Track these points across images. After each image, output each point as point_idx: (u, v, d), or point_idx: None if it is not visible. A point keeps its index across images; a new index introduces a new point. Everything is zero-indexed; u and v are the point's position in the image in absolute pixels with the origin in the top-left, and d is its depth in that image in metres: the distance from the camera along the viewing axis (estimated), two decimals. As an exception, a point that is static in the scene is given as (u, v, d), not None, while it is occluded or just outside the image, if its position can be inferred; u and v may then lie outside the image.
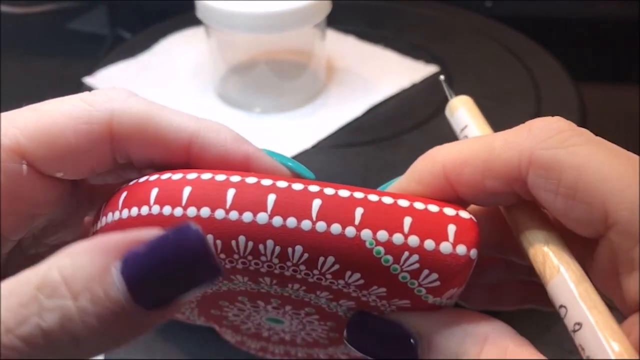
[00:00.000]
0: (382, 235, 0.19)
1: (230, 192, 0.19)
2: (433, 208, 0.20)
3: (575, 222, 0.18)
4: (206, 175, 0.20)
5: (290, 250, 0.19)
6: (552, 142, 0.19)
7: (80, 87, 0.56)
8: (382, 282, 0.19)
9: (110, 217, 0.20)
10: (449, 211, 0.20)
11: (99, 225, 0.21)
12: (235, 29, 0.50)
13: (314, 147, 0.49)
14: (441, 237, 0.19)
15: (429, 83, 0.57)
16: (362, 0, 0.70)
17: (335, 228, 0.19)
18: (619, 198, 0.17)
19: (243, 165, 0.21)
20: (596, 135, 0.19)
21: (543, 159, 0.18)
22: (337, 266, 0.19)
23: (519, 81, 0.57)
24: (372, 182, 0.21)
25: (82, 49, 0.77)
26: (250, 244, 0.19)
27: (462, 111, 0.25)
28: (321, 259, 0.19)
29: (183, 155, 0.21)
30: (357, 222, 0.19)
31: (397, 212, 0.19)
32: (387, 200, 0.19)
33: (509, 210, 0.21)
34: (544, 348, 0.19)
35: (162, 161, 0.21)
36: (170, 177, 0.20)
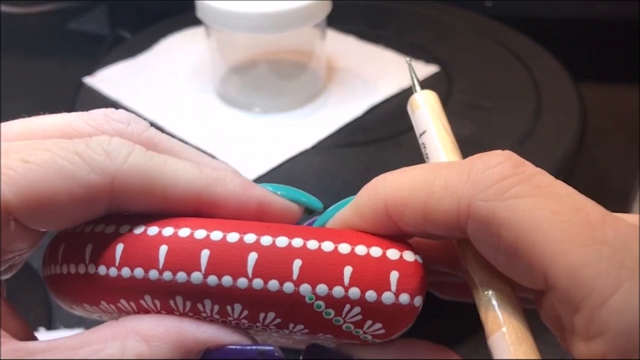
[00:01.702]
0: (322, 289, 0.18)
1: (162, 250, 0.19)
2: (375, 252, 0.19)
3: (517, 277, 0.18)
4: (139, 230, 0.19)
5: (229, 308, 0.19)
6: (491, 194, 0.17)
7: (80, 87, 0.56)
8: (326, 331, 0.19)
9: (53, 269, 0.20)
10: (393, 254, 0.19)
11: (49, 271, 0.20)
12: (235, 29, 0.50)
13: (314, 147, 0.49)
14: (383, 286, 0.18)
15: (429, 83, 0.57)
16: (362, 0, 0.70)
17: (273, 284, 0.18)
18: (557, 264, 0.16)
19: (257, 212, 0.20)
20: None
21: (481, 212, 0.17)
22: (278, 320, 0.19)
23: (519, 81, 0.57)
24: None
25: (82, 49, 0.77)
26: (188, 303, 0.19)
27: (423, 112, 0.23)
28: (261, 314, 0.19)
29: (191, 210, 0.20)
30: (295, 276, 0.18)
31: (337, 262, 0.19)
32: (328, 247, 0.19)
33: (458, 243, 0.20)
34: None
35: (167, 213, 0.20)
36: (103, 231, 0.19)
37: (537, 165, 0.18)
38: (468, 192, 0.18)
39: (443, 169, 0.19)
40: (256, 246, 0.19)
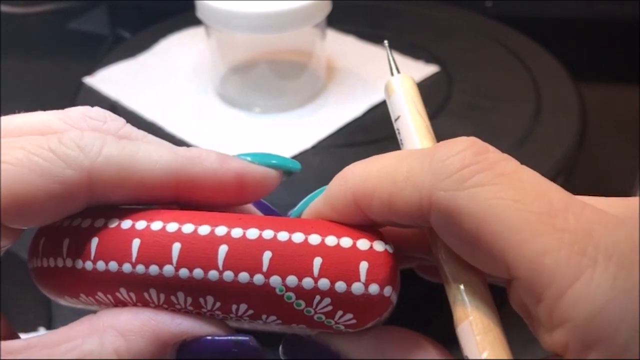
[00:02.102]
0: (292, 280, 0.18)
1: (135, 244, 0.19)
2: (346, 242, 0.19)
3: (482, 267, 0.18)
4: (113, 223, 0.19)
5: (201, 300, 0.19)
6: (452, 183, 0.17)
7: (80, 87, 0.56)
8: (299, 321, 0.19)
9: (35, 262, 0.20)
10: (363, 244, 0.19)
11: (32, 264, 0.20)
12: (235, 29, 0.50)
13: (314, 147, 0.49)
14: (353, 277, 0.18)
15: (429, 83, 0.57)
16: (362, 0, 0.70)
17: (243, 277, 0.18)
18: (517, 254, 0.16)
19: (237, 183, 0.20)
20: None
21: (443, 203, 0.17)
22: (251, 311, 0.19)
23: (519, 81, 0.57)
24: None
25: (82, 49, 0.77)
26: (162, 295, 0.19)
27: (399, 97, 0.23)
28: (234, 306, 0.19)
29: (171, 193, 0.20)
30: (265, 268, 0.18)
31: (306, 253, 0.19)
32: (298, 238, 0.19)
33: (429, 231, 0.19)
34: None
35: (147, 202, 0.20)
36: (79, 225, 0.20)
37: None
38: (429, 182, 0.17)
39: (408, 158, 0.19)
40: (227, 238, 0.19)
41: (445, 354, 0.19)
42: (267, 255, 0.19)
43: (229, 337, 0.19)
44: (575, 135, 0.50)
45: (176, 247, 0.19)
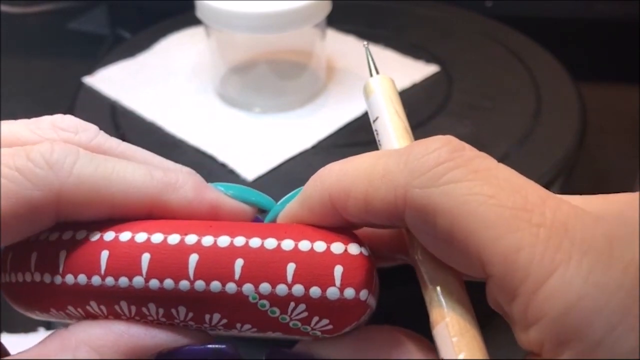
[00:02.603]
0: (265, 288, 0.18)
1: (104, 255, 0.18)
2: (319, 247, 0.19)
3: (457, 266, 0.17)
4: (81, 235, 0.19)
5: (174, 311, 0.18)
6: (426, 180, 0.17)
7: (80, 87, 0.56)
8: (275, 329, 0.19)
9: (4, 277, 0.20)
10: (337, 248, 0.19)
11: (2, 280, 0.20)
12: (235, 29, 0.50)
13: (314, 147, 0.49)
14: (327, 282, 0.18)
15: (429, 83, 0.57)
16: (362, 0, 0.70)
17: (215, 286, 0.18)
18: (491, 250, 0.16)
19: (210, 215, 0.20)
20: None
21: (417, 200, 0.17)
22: (225, 320, 0.19)
23: (519, 81, 0.57)
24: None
25: (82, 49, 0.77)
26: (133, 308, 0.18)
27: (377, 98, 0.23)
28: (207, 316, 0.19)
29: (143, 214, 0.19)
30: (237, 276, 0.18)
31: (279, 259, 0.18)
32: (270, 244, 0.18)
33: (407, 231, 0.19)
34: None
35: (119, 219, 0.20)
36: (47, 239, 0.19)
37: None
38: (404, 179, 0.17)
39: (384, 157, 0.18)
40: (197, 247, 0.18)
41: (428, 351, 0.19)
42: (238, 263, 0.18)
43: (207, 346, 0.19)
44: (575, 135, 0.50)
45: (145, 257, 0.18)
